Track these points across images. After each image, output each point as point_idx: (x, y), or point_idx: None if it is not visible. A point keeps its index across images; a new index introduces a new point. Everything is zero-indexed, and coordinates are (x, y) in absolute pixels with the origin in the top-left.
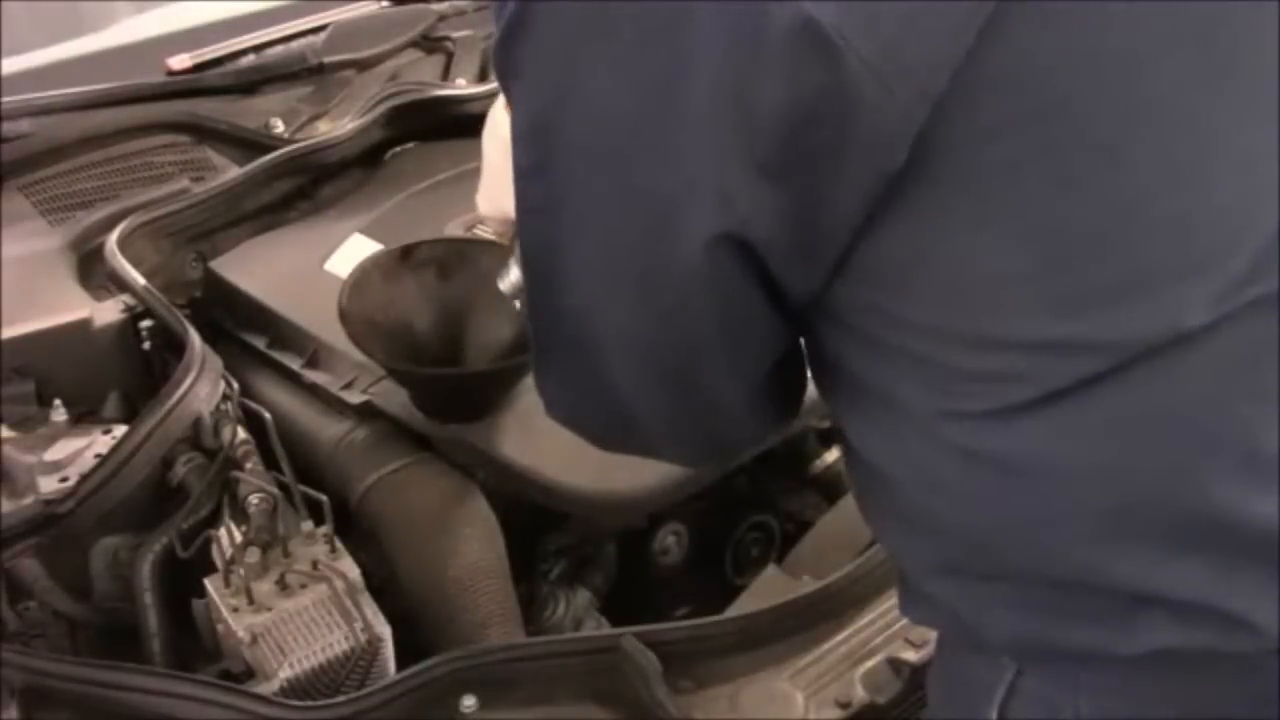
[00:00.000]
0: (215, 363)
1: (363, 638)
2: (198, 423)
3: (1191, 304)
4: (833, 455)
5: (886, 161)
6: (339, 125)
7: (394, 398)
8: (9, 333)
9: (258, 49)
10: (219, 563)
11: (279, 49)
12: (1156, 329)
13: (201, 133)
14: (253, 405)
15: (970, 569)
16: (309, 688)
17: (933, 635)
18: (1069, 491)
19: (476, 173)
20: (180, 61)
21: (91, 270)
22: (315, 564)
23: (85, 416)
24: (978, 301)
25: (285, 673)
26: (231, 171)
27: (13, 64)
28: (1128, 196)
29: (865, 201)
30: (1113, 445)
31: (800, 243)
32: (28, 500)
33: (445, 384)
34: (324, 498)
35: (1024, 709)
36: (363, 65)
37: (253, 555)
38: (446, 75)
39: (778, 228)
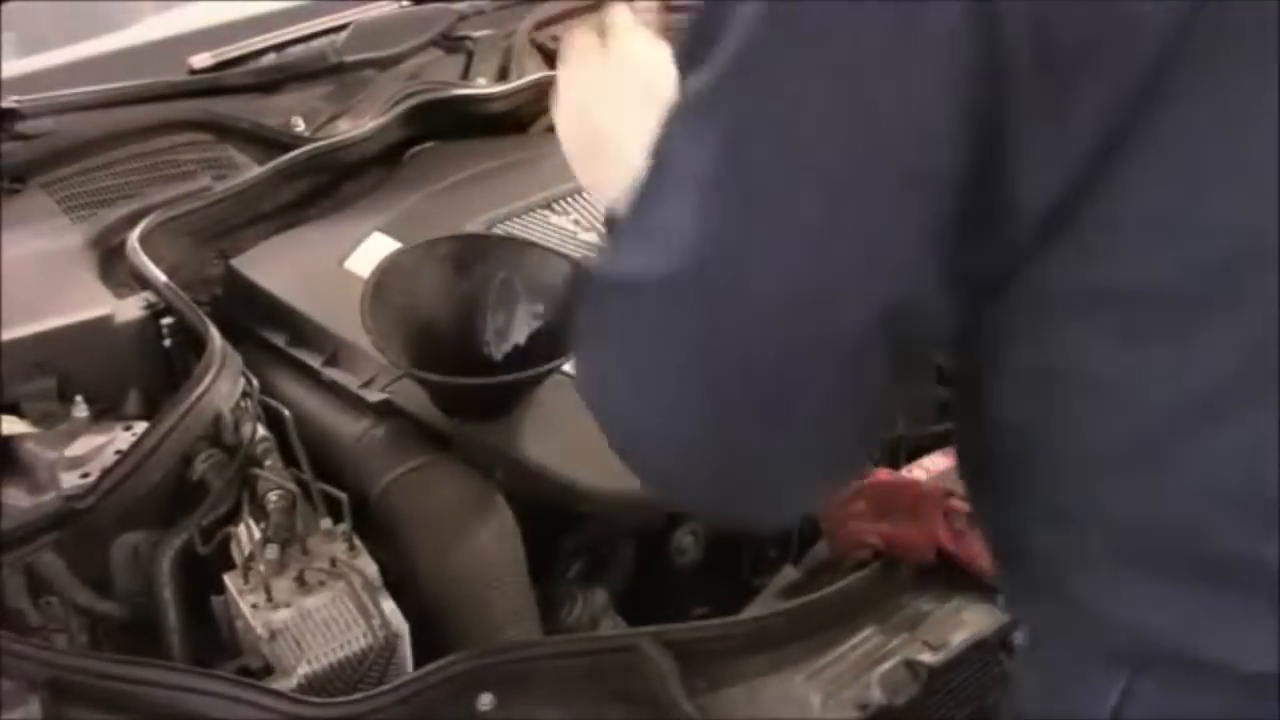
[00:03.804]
0: (235, 360)
1: (380, 635)
2: (218, 420)
3: None
4: None
5: (1136, 73)
6: (359, 124)
7: (413, 396)
8: (31, 329)
9: (279, 48)
10: (238, 559)
11: (300, 48)
12: None
13: (223, 131)
14: (272, 403)
15: (1119, 557)
16: (327, 684)
17: (951, 638)
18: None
19: (496, 172)
20: (202, 60)
21: (113, 267)
22: (334, 561)
23: (106, 413)
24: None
25: (303, 669)
26: (252, 170)
27: (35, 62)
28: None
29: (1105, 129)
30: None
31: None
32: (49, 496)
33: (465, 390)
34: (343, 495)
35: (1142, 713)
36: (383, 64)
37: (272, 552)
38: (466, 75)
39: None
